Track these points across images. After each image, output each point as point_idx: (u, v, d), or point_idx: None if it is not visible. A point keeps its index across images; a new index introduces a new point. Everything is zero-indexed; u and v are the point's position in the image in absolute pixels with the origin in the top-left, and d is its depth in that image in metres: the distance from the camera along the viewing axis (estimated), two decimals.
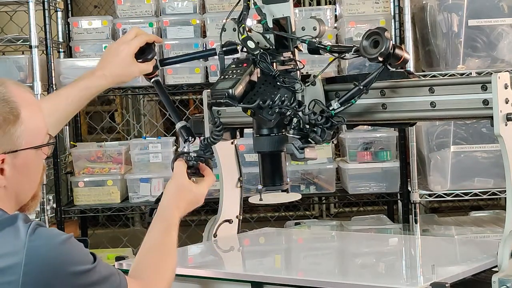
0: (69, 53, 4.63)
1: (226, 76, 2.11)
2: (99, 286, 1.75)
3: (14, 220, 1.72)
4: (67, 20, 4.68)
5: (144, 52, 2.31)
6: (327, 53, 2.14)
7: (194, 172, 2.17)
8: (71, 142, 4.62)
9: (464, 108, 1.98)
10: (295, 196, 2.28)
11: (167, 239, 2.00)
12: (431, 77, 3.93)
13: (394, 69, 2.03)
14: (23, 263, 1.66)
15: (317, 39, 2.14)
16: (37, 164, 1.85)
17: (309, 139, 2.05)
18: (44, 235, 1.71)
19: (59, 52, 4.76)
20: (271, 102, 2.06)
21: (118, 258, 2.25)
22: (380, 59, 1.99)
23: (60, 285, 1.69)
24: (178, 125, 2.27)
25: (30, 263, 1.66)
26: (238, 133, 2.47)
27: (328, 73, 2.23)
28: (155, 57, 2.33)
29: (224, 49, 2.18)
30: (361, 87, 2.03)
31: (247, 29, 2.17)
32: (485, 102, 1.93)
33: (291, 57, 2.17)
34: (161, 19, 4.39)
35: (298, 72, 2.16)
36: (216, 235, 2.48)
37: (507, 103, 1.91)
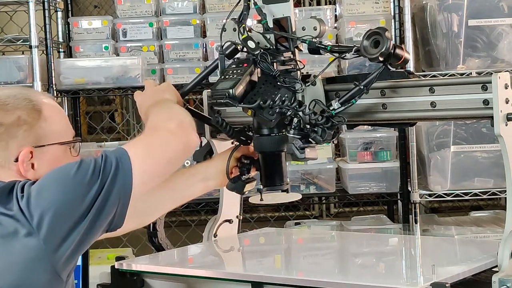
0: (69, 53, 4.63)
1: (227, 76, 2.11)
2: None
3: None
4: (67, 20, 4.67)
5: None
6: (328, 53, 2.13)
7: (249, 176, 2.25)
8: None
9: (464, 108, 1.98)
10: (295, 196, 2.28)
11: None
12: (431, 77, 3.92)
13: (394, 69, 2.03)
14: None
15: (318, 39, 2.14)
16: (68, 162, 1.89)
17: (310, 139, 2.05)
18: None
19: (59, 52, 4.75)
20: (271, 102, 2.05)
21: (118, 258, 2.25)
22: (381, 59, 1.98)
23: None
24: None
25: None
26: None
27: (328, 73, 2.23)
28: None
29: (226, 52, 2.18)
30: (362, 87, 2.03)
31: (247, 29, 2.17)
32: (485, 102, 1.93)
33: (292, 57, 2.17)
34: (161, 19, 4.40)
35: (298, 72, 2.16)
36: (216, 235, 2.48)
37: (507, 103, 1.90)
